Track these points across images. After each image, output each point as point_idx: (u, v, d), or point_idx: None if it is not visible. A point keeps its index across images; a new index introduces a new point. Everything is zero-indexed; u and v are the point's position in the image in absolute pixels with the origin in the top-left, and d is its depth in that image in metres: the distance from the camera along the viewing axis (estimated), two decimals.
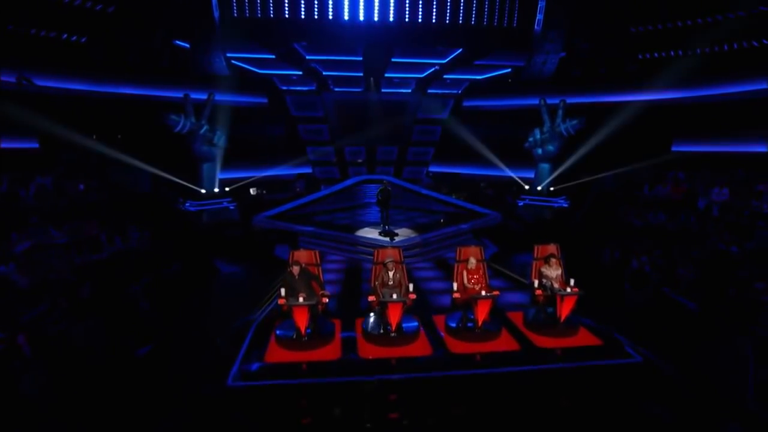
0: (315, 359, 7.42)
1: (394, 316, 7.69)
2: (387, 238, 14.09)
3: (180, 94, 16.12)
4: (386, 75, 20.24)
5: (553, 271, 8.59)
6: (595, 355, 7.66)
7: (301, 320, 7.52)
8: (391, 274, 8.15)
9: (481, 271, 8.41)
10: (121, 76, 16.68)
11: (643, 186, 15.81)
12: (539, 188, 18.02)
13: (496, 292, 7.96)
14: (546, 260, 8.73)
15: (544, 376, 7.23)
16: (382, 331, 8.02)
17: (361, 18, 16.99)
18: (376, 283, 8.15)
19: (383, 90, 21.56)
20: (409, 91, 21.87)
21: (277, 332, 8.01)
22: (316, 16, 16.76)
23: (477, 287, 8.32)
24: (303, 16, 16.75)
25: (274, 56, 18.26)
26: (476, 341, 7.98)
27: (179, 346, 8.33)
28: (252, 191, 19.85)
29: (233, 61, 18.32)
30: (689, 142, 16.80)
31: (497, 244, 15.79)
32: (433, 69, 19.75)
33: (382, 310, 7.98)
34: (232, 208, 17.05)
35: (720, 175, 14.96)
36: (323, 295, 7.91)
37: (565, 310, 8.08)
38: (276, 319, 8.73)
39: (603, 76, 18.30)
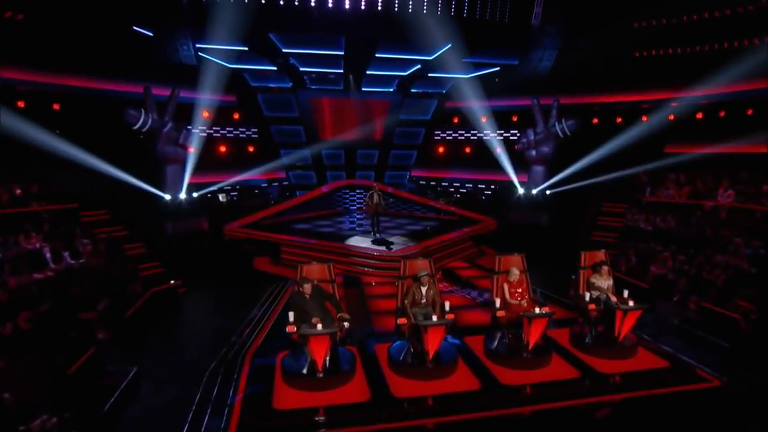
0: (339, 402, 5.79)
1: (433, 342, 6.19)
2: (382, 247, 12.60)
3: (139, 89, 14.13)
4: (368, 72, 18.84)
5: (605, 281, 7.37)
6: (666, 379, 6.42)
7: (319, 352, 5.88)
8: (424, 290, 6.66)
9: (524, 284, 7.05)
10: (69, 64, 14.44)
11: (645, 189, 15.08)
12: (534, 192, 17.06)
13: (548, 309, 6.62)
14: (595, 269, 7.51)
15: (618, 409, 5.92)
16: (411, 360, 6.51)
17: (347, 6, 15.53)
18: (406, 301, 6.63)
19: (364, 89, 20.13)
20: (392, 90, 20.55)
21: (285, 366, 6.32)
22: (296, 3, 15.14)
23: (522, 302, 6.96)
24: (282, 2, 15.10)
25: (247, 48, 16.46)
26: (527, 368, 6.59)
27: (148, 392, 6.47)
28: (221, 198, 17.84)
29: (201, 53, 16.38)
30: (683, 144, 16.31)
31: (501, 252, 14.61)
32: (418, 66, 18.50)
33: (415, 335, 6.47)
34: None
35: (721, 176, 14.43)
36: (342, 319, 6.30)
37: (626, 327, 6.84)
38: (278, 350, 7.06)
39: (601, 76, 17.56)
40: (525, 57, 16.54)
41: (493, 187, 19.92)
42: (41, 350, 6.68)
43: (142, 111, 13.82)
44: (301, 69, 18.40)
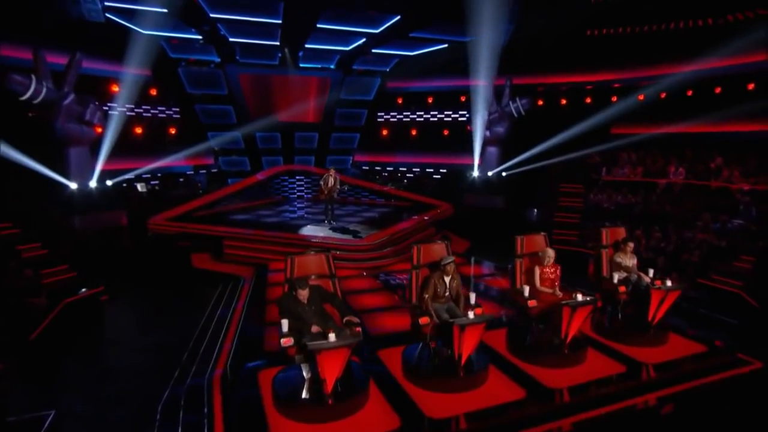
0: None
1: (468, 344, 4.94)
2: (347, 236, 11.17)
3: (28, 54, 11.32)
4: (307, 45, 17.04)
5: (629, 260, 6.59)
6: (712, 365, 5.74)
7: (332, 371, 4.39)
8: (447, 281, 5.38)
9: (558, 269, 6.01)
10: None
11: (601, 169, 15.02)
12: (490, 174, 16.44)
13: (579, 295, 5.63)
14: (617, 247, 6.71)
15: (680, 403, 5.12)
16: (435, 368, 5.23)
17: None
18: (426, 296, 5.30)
19: (301, 65, 18.28)
20: (332, 66, 18.89)
21: (278, 390, 4.74)
22: None
23: (555, 292, 5.93)
24: None
25: (166, 10, 13.94)
26: (565, 366, 5.58)
27: None
28: (140, 187, 15.17)
29: (108, 14, 13.59)
30: (628, 125, 16.53)
31: (464, 236, 13.81)
32: (363, 40, 17.02)
33: (442, 336, 5.19)
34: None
35: (669, 155, 14.73)
36: (350, 324, 4.82)
37: (662, 310, 6.08)
38: (258, 368, 5.45)
39: (553, 54, 17.22)
40: (481, 27, 15.63)
41: (442, 171, 19.11)
42: None
43: (33, 78, 11.04)
44: (231, 39, 16.14)
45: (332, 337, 4.32)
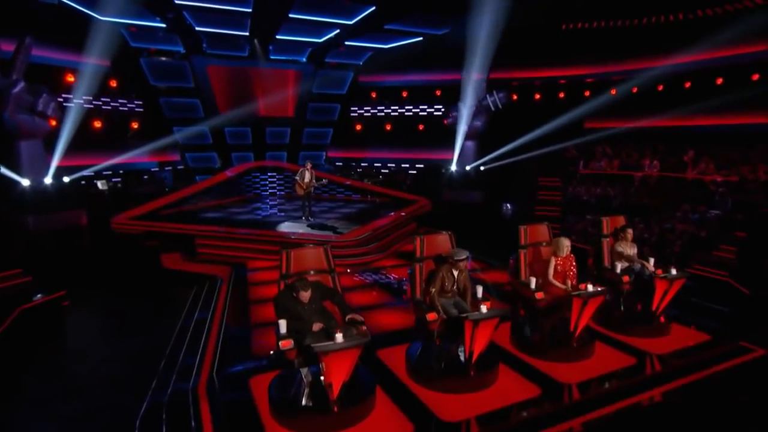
0: None
1: (480, 341, 4.60)
2: (327, 232, 10.69)
3: None
4: (278, 37, 16.40)
5: (630, 248, 6.43)
6: (719, 354, 5.62)
7: (339, 374, 3.96)
8: (456, 274, 5.02)
9: (574, 262, 5.72)
10: None
11: (578, 163, 15.10)
12: (468, 168, 16.28)
13: (589, 285, 5.39)
14: (616, 236, 6.54)
15: (690, 394, 4.96)
16: (445, 367, 4.88)
17: None
18: (433, 290, 4.93)
19: (272, 57, 17.61)
20: (304, 59, 18.29)
21: (275, 398, 4.28)
22: None
23: (567, 287, 5.65)
24: None
25: None
26: (574, 360, 5.34)
27: None
28: (100, 185, 14.16)
29: None
30: (601, 120, 16.72)
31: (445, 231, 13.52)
32: (336, 31, 16.50)
33: (451, 333, 4.83)
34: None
35: (643, 148, 14.96)
36: (354, 323, 4.38)
37: (667, 299, 5.94)
38: (248, 374, 4.95)
39: (528, 48, 17.21)
40: (459, 19, 15.38)
41: (418, 166, 18.85)
42: None
43: None
44: (198, 29, 15.32)
45: (339, 337, 3.88)
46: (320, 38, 17.15)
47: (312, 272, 4.65)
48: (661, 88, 15.74)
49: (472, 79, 15.74)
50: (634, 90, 16.32)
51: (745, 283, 8.10)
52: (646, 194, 12.91)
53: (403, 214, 13.04)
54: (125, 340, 6.81)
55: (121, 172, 15.30)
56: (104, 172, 14.65)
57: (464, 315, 4.53)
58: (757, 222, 9.95)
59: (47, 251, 10.09)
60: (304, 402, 4.24)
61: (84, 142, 14.11)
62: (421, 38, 17.61)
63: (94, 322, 7.78)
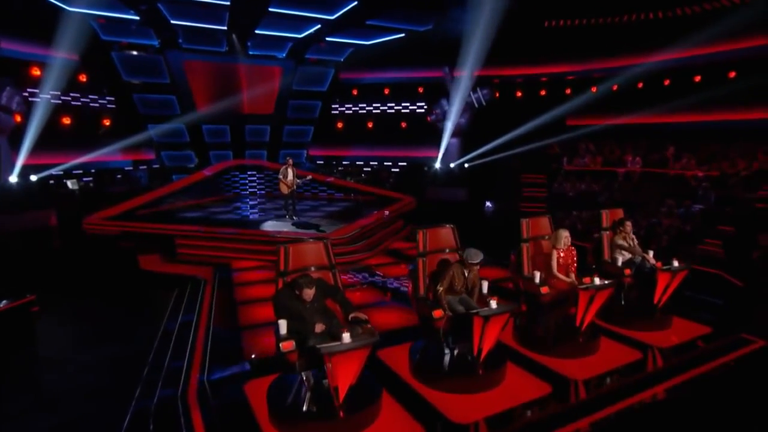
0: None
1: (489, 338, 4.38)
2: (311, 230, 10.37)
3: None
4: (258, 31, 15.95)
5: (630, 241, 6.33)
6: (722, 346, 5.56)
7: (346, 377, 3.68)
8: (466, 273, 4.79)
9: (574, 253, 5.59)
10: None
11: (562, 159, 15.15)
12: (452, 165, 16.15)
13: (597, 278, 5.26)
14: (615, 229, 6.44)
15: (702, 386, 4.87)
16: (452, 366, 4.66)
17: None
18: (440, 287, 4.69)
19: (251, 52, 17.13)
20: (284, 55, 17.86)
21: (275, 402, 3.96)
22: None
23: (569, 278, 5.50)
24: None
25: None
26: (582, 356, 5.18)
27: None
28: (70, 184, 13.46)
29: None
30: (582, 117, 16.84)
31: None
32: (317, 26, 16.14)
33: (458, 330, 4.61)
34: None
35: (625, 145, 15.11)
36: (358, 321, 4.10)
37: (669, 291, 5.86)
38: (243, 378, 4.62)
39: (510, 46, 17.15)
40: (443, 14, 15.20)
41: (401, 164, 18.63)
42: None
43: None
44: (173, 22, 14.74)
45: (347, 337, 3.60)
46: (301, 33, 16.77)
47: (313, 268, 4.36)
48: (641, 85, 15.96)
49: (464, 76, 15.57)
50: (615, 88, 16.52)
51: (736, 275, 8.14)
52: (630, 190, 13.01)
53: (386, 213, 12.78)
54: (102, 347, 6.35)
55: (92, 171, 14.61)
56: (75, 171, 13.95)
57: (474, 311, 4.30)
58: (747, 215, 10.07)
59: (13, 253, 9.45)
60: (305, 407, 3.95)
61: (52, 140, 13.42)
62: (403, 35, 17.42)
63: (67, 328, 7.26)
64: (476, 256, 4.67)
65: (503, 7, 14.76)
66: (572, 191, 13.60)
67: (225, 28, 15.46)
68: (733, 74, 13.86)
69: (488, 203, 15.61)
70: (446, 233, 5.14)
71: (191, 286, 8.03)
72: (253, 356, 5.37)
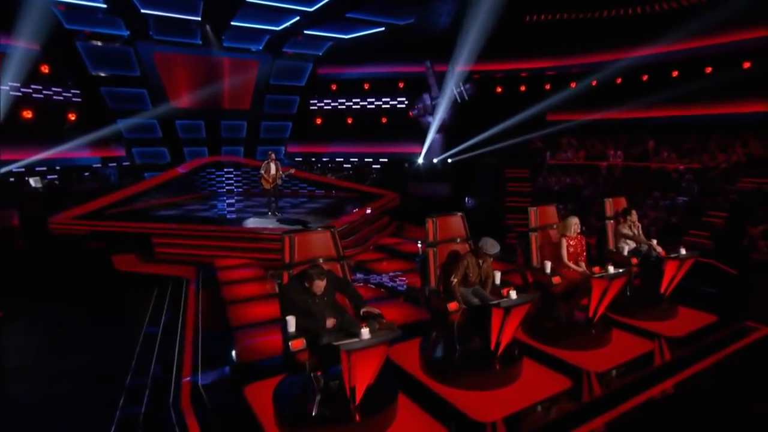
0: None
1: (508, 331, 4.11)
2: (297, 227, 9.90)
3: None
4: (233, 23, 15.35)
5: (635, 230, 6.20)
6: (731, 335, 5.48)
7: (365, 376, 3.34)
8: (481, 263, 4.51)
9: (584, 242, 5.39)
10: None
11: (545, 154, 15.14)
12: (435, 161, 15.94)
13: (611, 267, 5.07)
14: (618, 219, 6.30)
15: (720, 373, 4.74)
16: (466, 361, 4.37)
17: None
18: (454, 279, 4.39)
19: (226, 44, 16.50)
20: (260, 48, 17.29)
21: (283, 405, 3.59)
22: None
23: (579, 268, 5.30)
24: None
25: None
26: (595, 347, 4.99)
27: None
28: (33, 182, 12.58)
29: None
30: (562, 112, 16.90)
31: (417, 224, 13.09)
32: (295, 18, 15.64)
33: (474, 324, 4.32)
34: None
35: (606, 139, 15.21)
36: (371, 315, 3.76)
37: (676, 280, 5.74)
38: (242, 382, 4.20)
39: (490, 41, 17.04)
40: (424, 8, 14.94)
41: (382, 160, 18.31)
42: None
43: None
44: (143, 11, 13.98)
45: (366, 332, 3.26)
46: (278, 26, 16.23)
47: (321, 260, 3.99)
48: (620, 80, 16.11)
49: (447, 71, 15.36)
50: (594, 83, 16.63)
51: (729, 264, 8.18)
52: (613, 183, 13.06)
53: (368, 211, 12.45)
54: (76, 355, 5.79)
55: (57, 168, 13.71)
56: (38, 168, 13.06)
57: (494, 302, 4.02)
58: (736, 205, 10.18)
59: None
60: (316, 411, 3.58)
61: (11, 134, 12.53)
62: (383, 28, 17.09)
63: (34, 335, 6.63)
64: (493, 246, 4.39)
65: (485, 1, 14.68)
66: (558, 185, 13.58)
67: (199, 18, 14.81)
68: (709, 70, 14.10)
69: (467, 199, 15.47)
70: (456, 222, 4.86)
71: (172, 286, 7.51)
72: (235, 358, 4.99)
